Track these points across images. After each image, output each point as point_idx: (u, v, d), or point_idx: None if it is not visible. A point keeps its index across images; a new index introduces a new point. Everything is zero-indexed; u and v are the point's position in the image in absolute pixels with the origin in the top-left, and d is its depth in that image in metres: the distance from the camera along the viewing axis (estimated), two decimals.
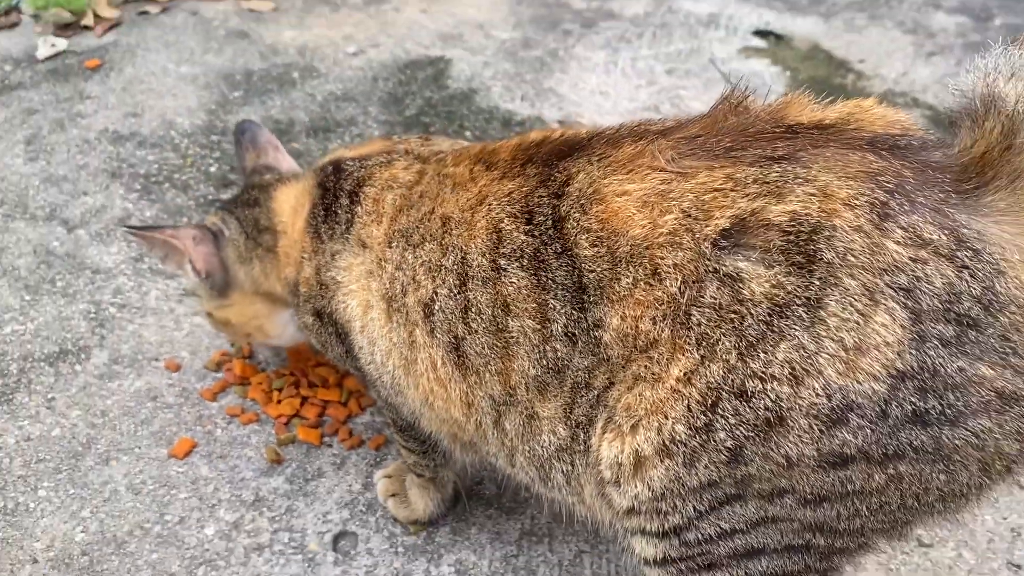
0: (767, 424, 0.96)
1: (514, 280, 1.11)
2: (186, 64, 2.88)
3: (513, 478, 1.33)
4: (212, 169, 2.40)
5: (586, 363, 1.09)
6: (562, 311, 1.08)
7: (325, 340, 1.43)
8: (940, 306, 0.91)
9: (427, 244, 1.21)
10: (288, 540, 1.56)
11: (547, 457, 1.18)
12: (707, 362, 0.98)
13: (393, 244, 1.26)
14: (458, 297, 1.17)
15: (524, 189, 1.14)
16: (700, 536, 1.07)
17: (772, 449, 0.97)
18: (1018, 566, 1.54)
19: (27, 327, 1.93)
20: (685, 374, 0.99)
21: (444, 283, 1.18)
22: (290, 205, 1.49)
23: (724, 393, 0.97)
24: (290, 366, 1.85)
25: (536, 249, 1.10)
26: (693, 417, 0.99)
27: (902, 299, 0.91)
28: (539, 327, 1.11)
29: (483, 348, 1.16)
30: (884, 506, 0.99)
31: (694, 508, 1.05)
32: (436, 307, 1.19)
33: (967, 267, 0.91)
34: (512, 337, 1.13)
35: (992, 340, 0.91)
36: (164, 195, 2.30)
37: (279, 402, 1.78)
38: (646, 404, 1.03)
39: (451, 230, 1.19)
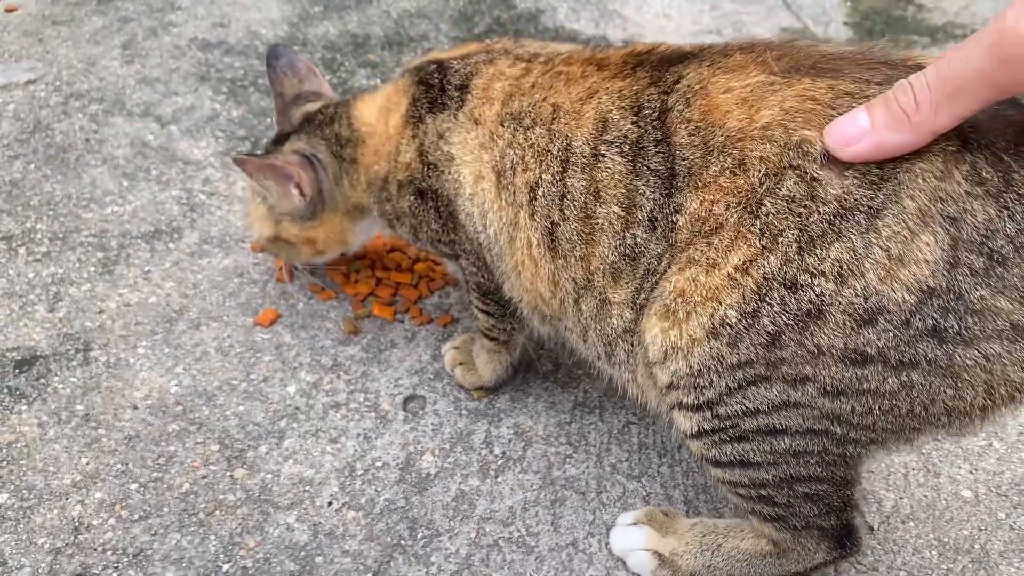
0: (807, 315, 1.06)
1: (610, 166, 1.22)
2: None
3: (580, 353, 1.45)
4: None
5: (659, 250, 1.20)
6: (650, 196, 1.19)
7: (421, 220, 1.54)
8: (977, 239, 0.99)
9: (537, 128, 1.32)
10: (363, 400, 1.70)
11: (614, 337, 1.31)
12: (767, 253, 1.08)
13: (505, 124, 1.37)
14: (558, 184, 1.28)
15: (635, 87, 1.25)
16: (730, 411, 1.17)
17: (807, 338, 1.07)
18: None
19: (125, 209, 2.10)
20: (744, 263, 1.09)
21: (548, 169, 1.29)
22: (376, 108, 1.59)
23: (776, 283, 1.07)
24: (366, 250, 1.98)
25: (638, 137, 1.20)
26: (745, 304, 1.09)
27: (947, 226, 1.00)
28: (624, 214, 1.21)
29: (572, 235, 1.27)
30: (894, 409, 1.09)
31: (727, 385, 1.15)
32: (540, 192, 1.30)
33: (1008, 208, 0.99)
34: (598, 224, 1.24)
35: (1015, 279, 0.99)
36: (249, 98, 2.44)
37: (356, 282, 1.92)
38: (701, 290, 1.12)
39: (560, 118, 1.29)
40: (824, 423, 1.13)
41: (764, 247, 1.07)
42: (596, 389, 1.73)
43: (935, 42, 2.79)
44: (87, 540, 1.47)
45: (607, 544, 1.47)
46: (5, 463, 1.58)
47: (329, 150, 1.65)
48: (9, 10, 2.81)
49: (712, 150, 1.13)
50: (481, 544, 1.48)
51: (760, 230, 1.08)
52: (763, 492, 1.24)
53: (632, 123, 1.22)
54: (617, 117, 1.23)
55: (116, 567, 1.44)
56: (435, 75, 1.50)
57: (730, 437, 1.21)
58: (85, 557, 1.45)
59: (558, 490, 1.56)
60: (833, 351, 1.06)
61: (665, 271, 1.19)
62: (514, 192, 1.34)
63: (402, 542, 1.48)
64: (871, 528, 1.51)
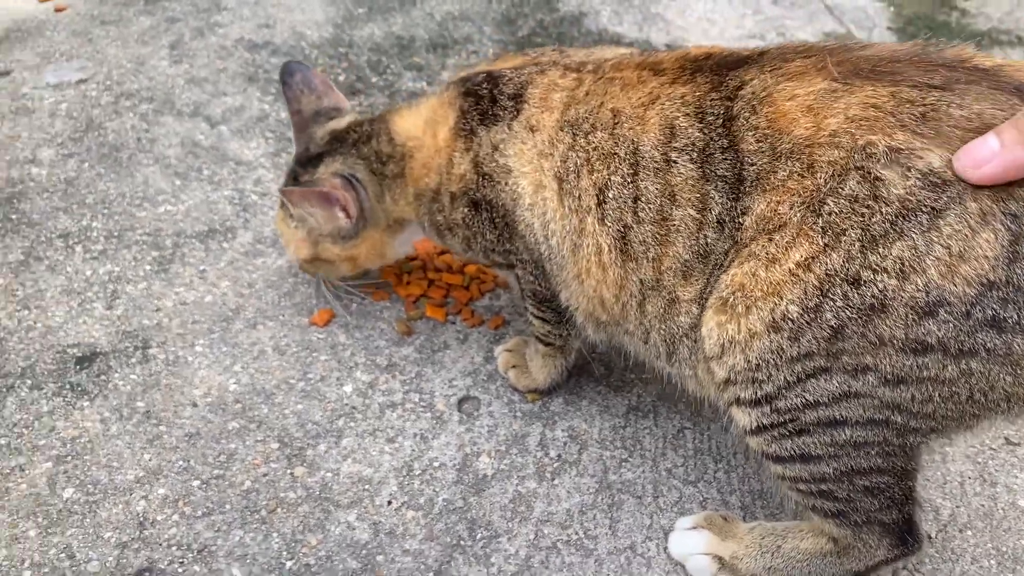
0: (870, 309, 1.09)
1: (683, 171, 1.24)
2: None
3: (637, 355, 1.46)
4: (341, 78, 2.55)
5: (725, 247, 1.22)
6: (719, 200, 1.21)
7: (476, 231, 1.54)
8: None
9: (598, 133, 1.33)
10: (418, 400, 1.72)
11: (679, 335, 1.32)
12: (829, 250, 1.10)
13: (564, 130, 1.39)
14: (630, 186, 1.29)
15: (697, 93, 1.27)
16: (789, 404, 1.19)
17: (869, 330, 1.09)
18: None
19: (178, 208, 2.12)
20: (805, 259, 1.12)
21: (617, 171, 1.31)
22: (421, 121, 1.59)
23: (839, 279, 1.10)
24: (417, 252, 2.00)
25: (705, 144, 1.23)
26: (807, 299, 1.12)
27: (1008, 223, 1.03)
28: (698, 216, 1.23)
29: (646, 237, 1.29)
30: (954, 396, 1.11)
31: (785, 378, 1.17)
32: (610, 195, 1.31)
33: None
34: (674, 225, 1.26)
35: None
36: None
37: (408, 283, 1.94)
38: (762, 285, 1.15)
39: (622, 122, 1.31)
40: (885, 412, 1.15)
41: (826, 245, 1.10)
42: (649, 393, 1.74)
43: (979, 48, 2.78)
44: (152, 535, 1.50)
45: (665, 548, 1.48)
46: (70, 458, 1.61)
47: (368, 168, 1.66)
48: (59, 9, 2.85)
49: (780, 156, 1.16)
50: (540, 546, 1.49)
51: (823, 228, 1.11)
52: (824, 487, 1.26)
53: (699, 131, 1.24)
54: (684, 124, 1.25)
55: (181, 562, 1.46)
56: (484, 86, 1.51)
57: (790, 431, 1.22)
58: (151, 552, 1.48)
59: (615, 494, 1.57)
60: (894, 341, 1.09)
61: (728, 267, 1.21)
62: (579, 196, 1.35)
63: (461, 542, 1.50)
64: (929, 536, 1.51)
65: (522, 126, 1.44)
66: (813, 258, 1.11)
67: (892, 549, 1.31)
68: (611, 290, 1.36)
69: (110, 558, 1.47)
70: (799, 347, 1.14)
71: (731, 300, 1.18)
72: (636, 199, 1.29)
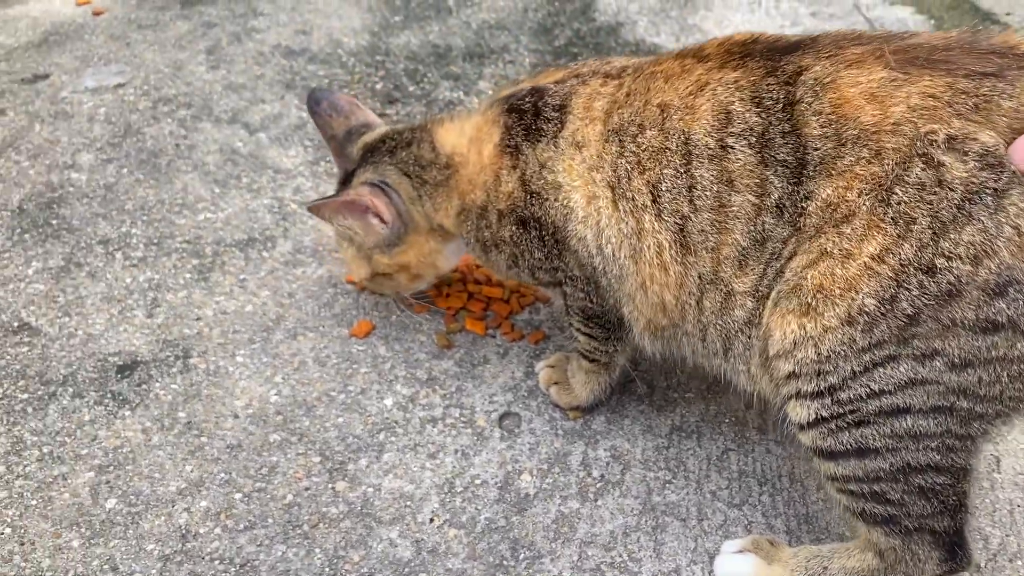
0: (947, 295, 1.11)
1: (740, 157, 1.24)
2: None
3: (695, 357, 1.45)
4: (378, 86, 2.55)
5: (784, 234, 1.23)
6: (778, 185, 1.22)
7: (524, 248, 1.54)
8: None
9: (648, 132, 1.33)
10: (459, 415, 1.71)
11: (735, 331, 1.33)
12: (902, 240, 1.12)
13: (610, 140, 1.38)
14: (683, 176, 1.29)
15: (752, 77, 1.26)
16: (852, 395, 1.20)
17: (942, 315, 1.12)
18: None
19: (218, 216, 2.12)
20: (879, 252, 1.13)
21: (669, 164, 1.30)
22: (465, 139, 1.58)
23: (913, 269, 1.11)
24: (456, 264, 1.99)
25: (765, 128, 1.22)
26: (883, 292, 1.13)
27: None
28: (756, 201, 1.24)
29: (704, 225, 1.29)
30: (1021, 374, 1.13)
31: (852, 368, 1.19)
32: (663, 187, 1.31)
33: None
34: (732, 212, 1.26)
35: None
36: None
37: (448, 296, 1.94)
38: (840, 283, 1.16)
39: (671, 115, 1.31)
40: (950, 398, 1.16)
41: (899, 235, 1.12)
42: (693, 413, 1.72)
43: None
44: (195, 548, 1.50)
45: (710, 572, 1.47)
46: (112, 468, 1.61)
47: (402, 171, 1.64)
48: (96, 13, 2.86)
49: (846, 142, 1.17)
50: (583, 568, 1.48)
51: (893, 218, 1.13)
52: (877, 487, 1.25)
53: (757, 115, 1.24)
54: (740, 109, 1.25)
55: None
56: (527, 100, 1.51)
57: (848, 423, 1.23)
58: (194, 565, 1.47)
59: (659, 516, 1.55)
60: (965, 322, 1.11)
61: (791, 257, 1.22)
62: (633, 197, 1.35)
63: (504, 563, 1.49)
64: (978, 566, 1.49)
65: (568, 142, 1.43)
66: (887, 250, 1.13)
67: (941, 564, 1.30)
68: (672, 291, 1.36)
69: (153, 571, 1.47)
70: (871, 337, 1.16)
71: (813, 303, 1.19)
72: (691, 188, 1.29)
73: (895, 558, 1.32)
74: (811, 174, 1.19)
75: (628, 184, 1.35)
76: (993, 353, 1.11)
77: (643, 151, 1.33)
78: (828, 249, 1.17)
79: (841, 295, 1.16)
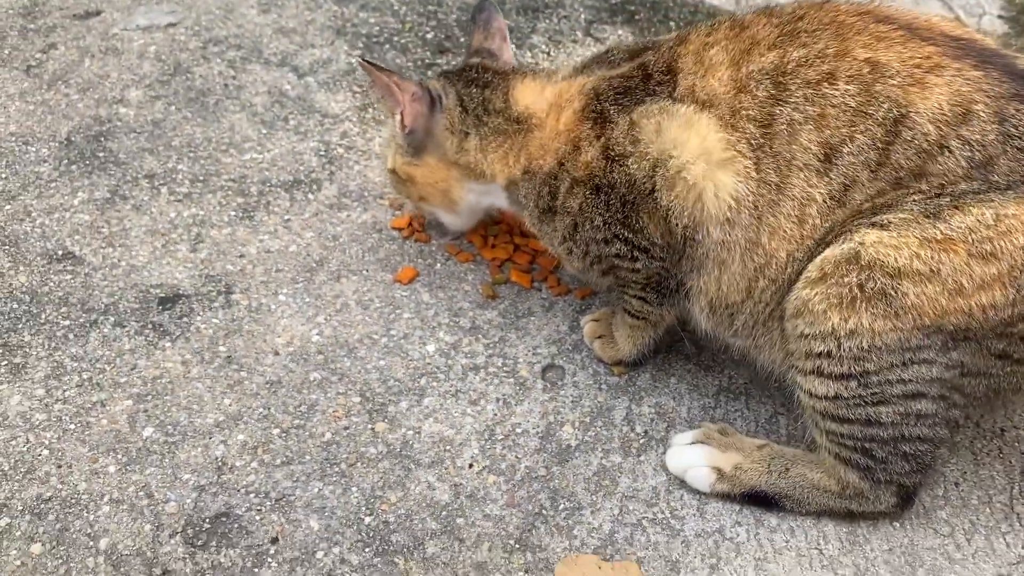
0: (1001, 335, 1.25)
1: (950, 163, 1.22)
2: None
3: (737, 336, 1.46)
4: (428, 36, 2.51)
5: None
6: (960, 188, 1.24)
7: (588, 216, 1.47)
8: None
9: (841, 85, 1.25)
10: (501, 364, 1.68)
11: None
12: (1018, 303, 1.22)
13: (753, 86, 1.30)
14: (878, 151, 1.24)
15: (997, 90, 1.22)
16: (883, 379, 1.26)
17: (988, 343, 1.26)
18: None
19: (264, 156, 2.10)
20: (992, 304, 1.22)
21: (866, 132, 1.24)
22: (545, 102, 1.52)
23: (1005, 319, 1.24)
24: (503, 216, 1.95)
25: (997, 153, 1.20)
26: (964, 323, 1.23)
27: None
28: (929, 190, 1.24)
29: (871, 192, 1.25)
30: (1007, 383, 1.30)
31: (892, 362, 1.25)
32: (845, 151, 1.25)
33: None
34: (903, 187, 1.25)
35: None
36: (385, 55, 2.43)
37: (494, 247, 1.90)
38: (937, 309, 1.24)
39: (886, 78, 1.23)
40: (953, 393, 1.29)
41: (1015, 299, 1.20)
42: (741, 376, 1.68)
43: None
44: (230, 481, 1.48)
45: (757, 535, 1.43)
46: (150, 397, 1.60)
47: (461, 103, 1.59)
48: None
49: None
50: (624, 522, 1.45)
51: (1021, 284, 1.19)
52: (867, 445, 1.32)
53: (996, 136, 1.20)
54: (984, 117, 1.21)
55: (259, 510, 1.44)
56: (635, 70, 1.44)
57: (867, 402, 1.28)
58: (228, 497, 1.46)
59: None
60: (994, 350, 1.25)
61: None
62: (792, 157, 1.27)
63: (544, 511, 1.46)
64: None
65: (684, 102, 1.35)
66: (1003, 304, 1.22)
67: (894, 507, 1.40)
68: (792, 245, 1.31)
69: (188, 500, 1.45)
70: (924, 342, 1.24)
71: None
72: (880, 164, 1.24)
73: (854, 492, 1.39)
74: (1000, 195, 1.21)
75: (790, 141, 1.27)
76: (995, 371, 1.27)
77: (831, 105, 1.25)
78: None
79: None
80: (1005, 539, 1.43)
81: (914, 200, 1.22)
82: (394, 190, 1.85)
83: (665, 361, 1.70)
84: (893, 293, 1.21)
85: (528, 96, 1.56)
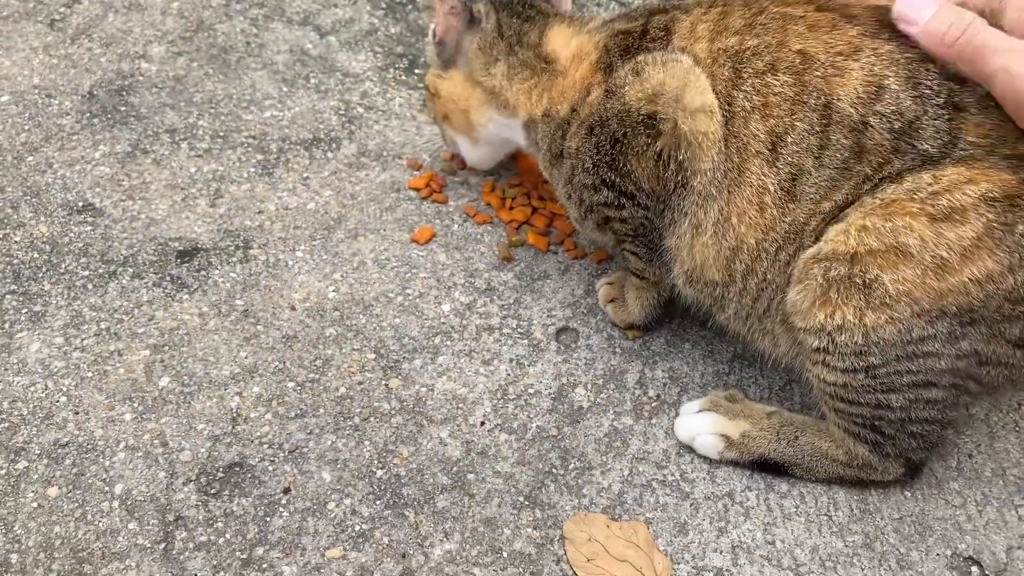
0: (1013, 318, 1.22)
1: (876, 137, 1.22)
2: None
3: (727, 316, 1.48)
4: None
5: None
6: (899, 165, 1.23)
7: (582, 158, 1.49)
8: None
9: (780, 75, 1.27)
10: (516, 326, 1.68)
11: (782, 287, 1.35)
12: (1010, 272, 1.18)
13: (720, 62, 1.33)
14: (817, 135, 1.25)
15: (908, 55, 1.23)
16: (891, 370, 1.25)
17: (999, 328, 1.23)
18: None
19: (284, 114, 2.10)
20: (984, 276, 1.18)
21: (804, 120, 1.25)
22: (569, 51, 1.54)
23: (1004, 297, 1.21)
24: (522, 178, 1.95)
25: (916, 117, 1.20)
26: (964, 306, 1.20)
27: None
28: (872, 173, 1.24)
29: (821, 181, 1.26)
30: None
31: (896, 354, 1.24)
32: (789, 140, 1.27)
33: None
34: (848, 174, 1.24)
35: None
36: (407, 15, 2.41)
37: (511, 208, 1.89)
38: (929, 292, 1.23)
39: (813, 69, 1.25)
40: (968, 381, 1.27)
41: (1010, 266, 1.16)
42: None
43: None
44: (244, 432, 1.49)
45: (767, 499, 1.43)
46: (167, 348, 1.61)
47: (499, 29, 1.61)
48: None
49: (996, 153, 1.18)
50: (634, 483, 1.45)
51: (1009, 247, 1.15)
52: (877, 423, 1.32)
53: (912, 100, 1.20)
54: (896, 87, 1.22)
55: (272, 461, 1.46)
56: (636, 24, 1.48)
57: (876, 389, 1.27)
58: (242, 448, 1.47)
59: None
60: (1011, 338, 1.23)
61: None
62: (747, 142, 1.30)
63: (554, 470, 1.46)
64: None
65: (675, 52, 1.38)
66: (990, 277, 1.17)
67: (899, 478, 1.41)
68: (758, 232, 1.32)
69: (202, 449, 1.47)
70: (928, 331, 1.22)
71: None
72: (823, 147, 1.25)
73: (862, 463, 1.40)
74: (942, 163, 1.19)
75: (744, 125, 1.30)
76: (1014, 360, 1.24)
77: (772, 94, 1.27)
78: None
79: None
80: (1017, 511, 1.42)
81: (865, 191, 1.24)
82: (426, 108, 1.85)
83: (680, 327, 1.70)
84: (864, 282, 1.20)
85: (558, 42, 1.57)
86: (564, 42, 1.56)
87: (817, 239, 1.27)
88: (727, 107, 1.31)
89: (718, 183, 1.33)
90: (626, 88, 1.39)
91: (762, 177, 1.29)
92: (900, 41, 1.24)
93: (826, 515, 1.41)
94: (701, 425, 1.47)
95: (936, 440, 1.37)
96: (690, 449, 1.49)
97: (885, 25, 1.26)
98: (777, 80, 1.27)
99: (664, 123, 1.36)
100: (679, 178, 1.38)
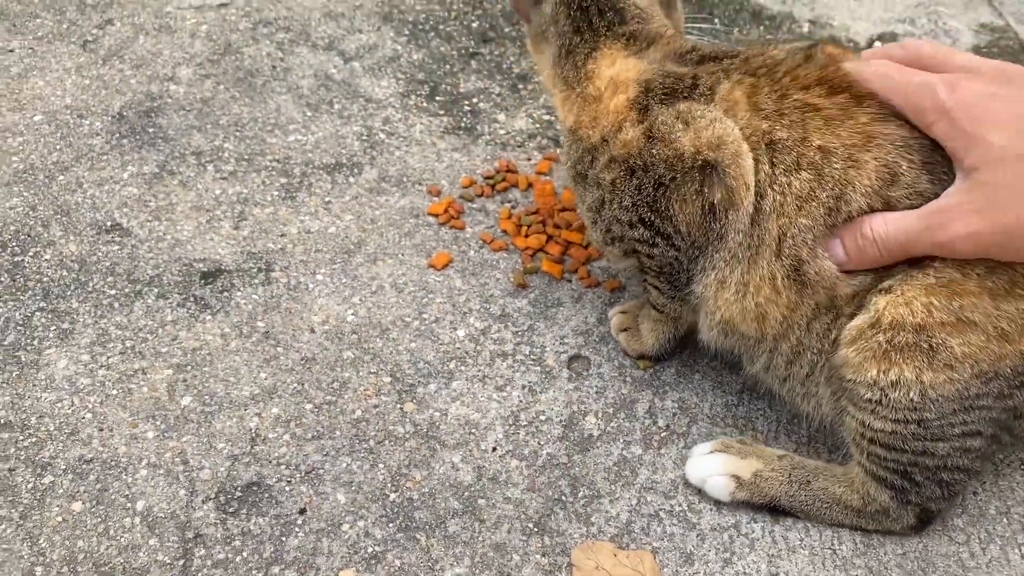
0: None
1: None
2: None
3: (758, 369, 1.51)
4: (474, 25, 2.54)
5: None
6: None
7: (618, 196, 1.46)
8: None
9: (803, 173, 1.29)
10: (528, 352, 1.72)
11: (824, 352, 1.39)
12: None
13: (752, 142, 1.33)
14: (820, 228, 1.30)
15: (923, 139, 1.26)
16: (944, 423, 1.27)
17: None
18: None
19: (308, 138, 2.15)
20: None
21: (810, 215, 1.29)
22: (607, 77, 1.49)
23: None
24: (538, 206, 1.99)
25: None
26: (1019, 368, 1.27)
27: None
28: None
29: (822, 270, 1.31)
30: None
31: (953, 408, 1.26)
32: (789, 234, 1.31)
33: None
34: None
35: None
36: (430, 42, 2.46)
37: (527, 236, 1.93)
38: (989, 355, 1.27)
39: (831, 162, 1.28)
40: (1002, 432, 1.33)
41: None
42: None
43: None
44: (263, 452, 1.53)
45: (772, 531, 1.46)
46: (190, 367, 1.65)
47: (554, 20, 1.56)
48: None
49: None
50: (642, 512, 1.48)
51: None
52: (910, 470, 1.32)
53: (928, 182, 1.25)
54: (908, 173, 1.26)
55: (289, 481, 1.50)
56: (686, 75, 1.42)
57: (927, 438, 1.28)
58: (260, 468, 1.51)
59: None
60: None
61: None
62: (762, 236, 1.33)
63: (563, 498, 1.49)
64: None
65: (719, 106, 1.37)
66: None
67: (910, 529, 1.42)
68: (781, 311, 1.36)
69: (221, 468, 1.51)
70: (982, 390, 1.25)
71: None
72: (816, 239, 1.30)
73: (878, 509, 1.40)
74: None
75: (765, 222, 1.33)
76: None
77: (793, 197, 1.30)
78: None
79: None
80: (1020, 550, 1.44)
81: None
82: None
83: (690, 357, 1.73)
84: (931, 346, 1.23)
85: (603, 63, 1.50)
86: (608, 64, 1.50)
87: (857, 308, 1.30)
88: (758, 197, 1.33)
89: (744, 249, 1.35)
90: (676, 134, 1.36)
91: (770, 268, 1.33)
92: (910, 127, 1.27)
93: (830, 549, 1.44)
94: (712, 467, 1.48)
95: (960, 490, 1.38)
96: None
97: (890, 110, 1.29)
98: (800, 179, 1.29)
99: (726, 173, 1.33)
100: (722, 229, 1.37)
